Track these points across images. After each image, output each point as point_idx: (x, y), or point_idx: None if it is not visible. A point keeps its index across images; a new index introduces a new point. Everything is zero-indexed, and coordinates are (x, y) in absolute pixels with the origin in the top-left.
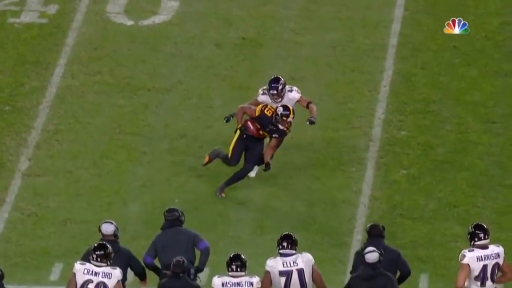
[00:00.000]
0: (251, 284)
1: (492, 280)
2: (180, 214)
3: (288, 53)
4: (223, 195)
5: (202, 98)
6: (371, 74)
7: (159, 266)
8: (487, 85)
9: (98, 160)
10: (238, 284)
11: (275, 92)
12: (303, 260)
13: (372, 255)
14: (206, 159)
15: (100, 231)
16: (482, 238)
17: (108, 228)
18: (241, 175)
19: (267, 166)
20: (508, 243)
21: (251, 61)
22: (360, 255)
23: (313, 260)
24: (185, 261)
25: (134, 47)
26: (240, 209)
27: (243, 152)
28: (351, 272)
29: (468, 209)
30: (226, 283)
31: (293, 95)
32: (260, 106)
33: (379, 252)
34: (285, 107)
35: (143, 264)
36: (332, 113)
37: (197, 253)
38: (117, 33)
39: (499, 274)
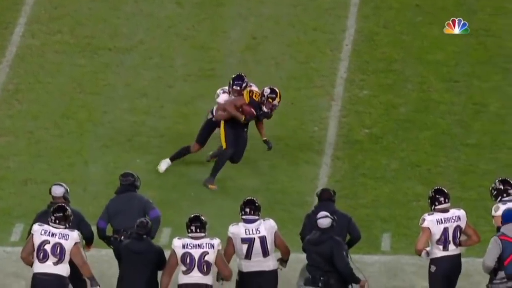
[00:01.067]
0: (212, 245)
1: (455, 244)
2: (135, 179)
3: (249, 12)
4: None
5: (163, 57)
6: (333, 33)
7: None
8: (450, 44)
9: (58, 120)
10: (199, 245)
11: (238, 88)
12: (266, 227)
13: (324, 221)
14: (212, 187)
15: (50, 193)
16: (443, 202)
17: (57, 190)
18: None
19: (269, 144)
20: (470, 202)
21: (213, 20)
22: (310, 218)
23: (276, 227)
24: (149, 222)
25: (95, 6)
26: (202, 170)
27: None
28: (300, 234)
29: (431, 169)
30: (187, 244)
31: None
32: (247, 92)
33: (331, 217)
34: (272, 90)
35: (94, 227)
36: (294, 73)
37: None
38: None
39: (465, 238)
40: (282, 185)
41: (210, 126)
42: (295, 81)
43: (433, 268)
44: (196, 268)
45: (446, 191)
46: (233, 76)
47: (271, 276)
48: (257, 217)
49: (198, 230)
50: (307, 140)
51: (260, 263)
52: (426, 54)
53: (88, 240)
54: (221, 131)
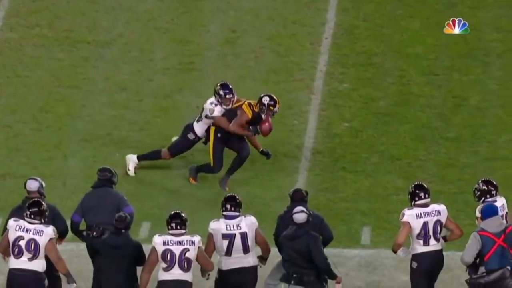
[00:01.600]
0: (193, 242)
1: (436, 239)
2: (113, 175)
3: (229, 5)
4: (227, 188)
5: (143, 51)
6: (312, 26)
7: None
8: (429, 38)
9: (37, 114)
10: (179, 242)
11: (231, 95)
12: (247, 224)
13: (300, 216)
14: (192, 181)
15: (25, 187)
16: (423, 197)
17: (32, 185)
18: (240, 161)
19: (268, 154)
20: (450, 196)
21: (192, 14)
22: (283, 218)
23: (257, 224)
24: (128, 216)
25: (73, 0)
26: (180, 164)
27: (223, 151)
28: (274, 234)
29: (411, 162)
30: (168, 241)
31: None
32: (247, 106)
33: (307, 212)
34: (271, 97)
35: (68, 222)
36: (273, 66)
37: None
38: None
39: (449, 233)
40: (262, 179)
41: (188, 144)
42: (275, 75)
43: (414, 264)
44: (176, 265)
45: (426, 186)
46: (217, 87)
47: (250, 273)
48: (238, 214)
49: (178, 227)
50: (286, 134)
51: (240, 260)
52: (406, 48)
53: (62, 234)
54: (210, 147)
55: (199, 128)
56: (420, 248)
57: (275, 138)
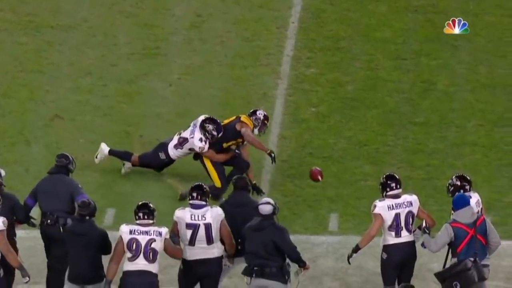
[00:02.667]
0: (160, 233)
1: (408, 231)
2: (70, 161)
3: None
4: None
5: (107, 35)
6: (279, 10)
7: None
8: (397, 21)
9: (0, 99)
10: (146, 232)
11: (220, 128)
12: (212, 215)
13: (266, 207)
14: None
15: None
16: (394, 187)
17: None
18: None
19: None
20: (419, 182)
21: None
22: (224, 207)
23: (223, 215)
24: (92, 202)
25: None
26: (146, 150)
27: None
28: None
29: (379, 148)
30: (134, 230)
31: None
32: (246, 119)
33: (273, 204)
34: (265, 113)
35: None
36: (239, 51)
37: None
38: None
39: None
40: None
41: (156, 162)
42: (241, 59)
43: (384, 255)
44: (141, 255)
45: (397, 177)
46: (207, 124)
47: (215, 264)
48: (204, 203)
49: (146, 217)
50: None
51: (204, 251)
52: (374, 32)
53: (21, 222)
54: (211, 170)
55: (174, 153)
56: (391, 239)
57: None
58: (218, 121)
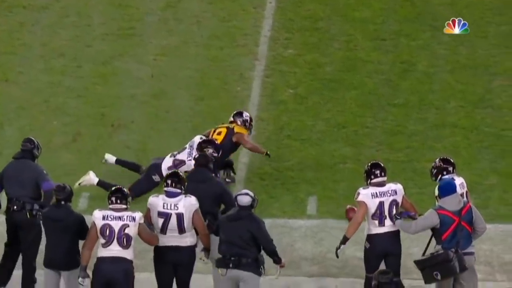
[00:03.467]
0: (133, 218)
1: (392, 219)
2: (35, 146)
3: None
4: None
5: (81, 16)
6: None
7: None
8: (376, 1)
9: None
10: (119, 217)
11: (219, 148)
12: (185, 205)
13: (244, 198)
14: None
15: None
16: (378, 175)
17: None
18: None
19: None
20: (398, 164)
21: None
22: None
23: (197, 205)
24: (67, 186)
25: None
26: (122, 133)
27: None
28: None
29: (357, 130)
30: (107, 216)
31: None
32: (240, 128)
33: (252, 196)
34: (249, 114)
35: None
36: (216, 31)
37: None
38: None
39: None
40: None
41: (152, 185)
42: (217, 40)
43: (367, 245)
44: (115, 241)
45: (382, 165)
46: (207, 148)
47: (187, 252)
48: (179, 191)
49: (119, 201)
50: (230, 101)
51: (176, 239)
52: (353, 11)
53: None
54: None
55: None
56: (374, 229)
57: (218, 104)
58: (214, 140)
